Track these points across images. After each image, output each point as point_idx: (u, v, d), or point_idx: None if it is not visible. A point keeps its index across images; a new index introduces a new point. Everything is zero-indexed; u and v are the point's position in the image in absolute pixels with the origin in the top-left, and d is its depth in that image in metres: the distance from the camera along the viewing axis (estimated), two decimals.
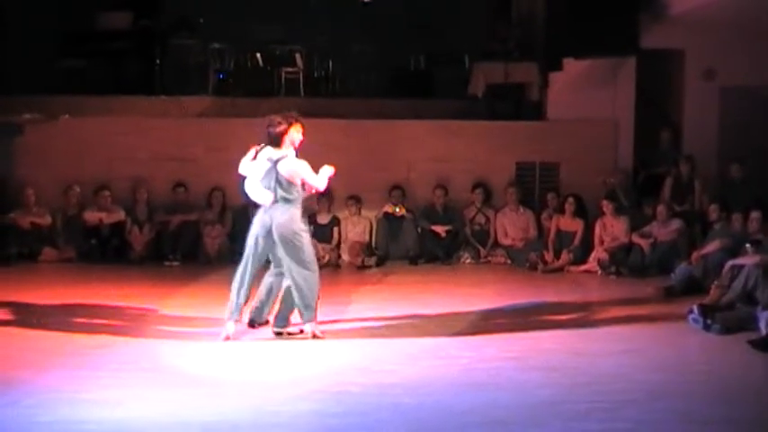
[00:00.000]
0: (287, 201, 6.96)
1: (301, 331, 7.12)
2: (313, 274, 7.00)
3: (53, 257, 10.59)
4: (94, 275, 9.65)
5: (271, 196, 6.95)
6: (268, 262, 7.18)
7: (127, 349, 6.69)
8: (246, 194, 7.20)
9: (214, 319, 7.67)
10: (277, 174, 6.95)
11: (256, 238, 6.98)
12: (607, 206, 10.45)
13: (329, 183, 7.27)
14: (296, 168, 7.00)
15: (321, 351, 6.83)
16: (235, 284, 6.99)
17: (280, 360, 6.59)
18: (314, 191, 7.25)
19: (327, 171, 7.14)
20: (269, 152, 7.01)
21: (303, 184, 7.05)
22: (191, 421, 5.18)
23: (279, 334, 7.13)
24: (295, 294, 6.97)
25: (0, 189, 10.73)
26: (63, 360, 6.33)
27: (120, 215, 10.83)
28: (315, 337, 7.02)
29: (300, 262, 6.93)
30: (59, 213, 10.88)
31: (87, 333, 7.13)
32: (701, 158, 11.03)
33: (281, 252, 6.95)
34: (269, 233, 6.93)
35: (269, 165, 6.97)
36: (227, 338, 6.97)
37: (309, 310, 7.00)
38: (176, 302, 8.31)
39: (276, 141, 7.00)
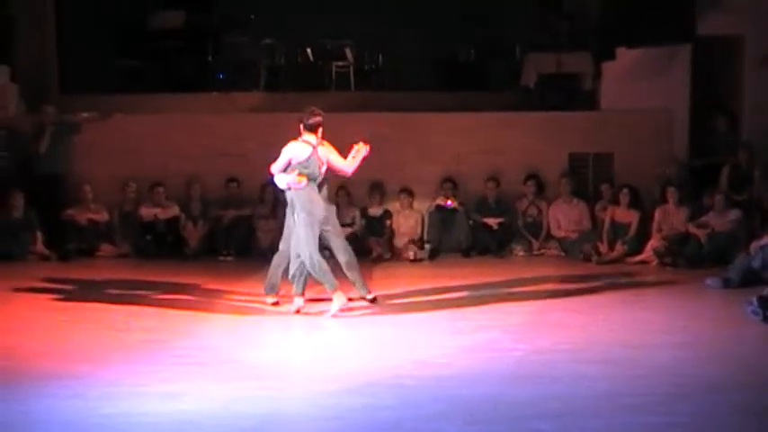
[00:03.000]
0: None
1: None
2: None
3: (110, 253, 10.78)
4: (151, 270, 9.78)
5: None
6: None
7: (184, 343, 6.77)
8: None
9: (270, 312, 7.77)
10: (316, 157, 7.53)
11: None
12: (672, 194, 10.29)
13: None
14: (329, 153, 7.68)
15: (376, 344, 6.85)
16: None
17: (335, 353, 6.62)
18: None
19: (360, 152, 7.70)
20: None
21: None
22: (246, 414, 5.22)
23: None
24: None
25: (58, 186, 10.92)
26: (123, 354, 6.44)
27: (175, 211, 10.97)
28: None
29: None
30: (116, 210, 11.07)
31: (145, 328, 7.24)
32: (760, 146, 10.82)
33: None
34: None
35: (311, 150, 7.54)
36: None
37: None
38: (231, 296, 8.40)
39: (312, 129, 7.58)
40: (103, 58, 12.58)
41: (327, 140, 7.71)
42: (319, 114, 7.53)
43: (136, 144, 11.26)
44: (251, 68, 12.79)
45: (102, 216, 10.97)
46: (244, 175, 11.17)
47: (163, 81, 12.53)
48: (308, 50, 13.08)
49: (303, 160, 7.46)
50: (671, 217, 10.29)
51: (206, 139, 11.36)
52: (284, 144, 7.66)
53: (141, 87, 12.25)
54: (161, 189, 10.99)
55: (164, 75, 12.66)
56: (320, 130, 7.55)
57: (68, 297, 8.40)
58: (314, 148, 7.49)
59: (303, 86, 12.63)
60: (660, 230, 10.24)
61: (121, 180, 11.12)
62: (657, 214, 10.32)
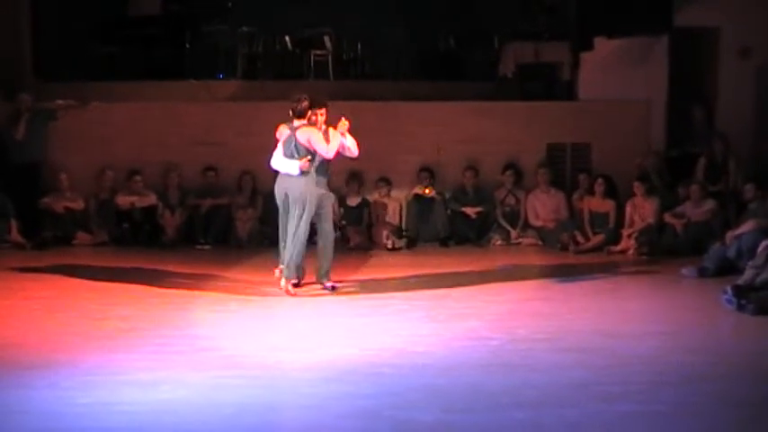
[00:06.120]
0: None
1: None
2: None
3: (86, 241, 10.71)
4: (127, 259, 9.73)
5: (296, 164, 7.63)
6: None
7: (161, 331, 6.75)
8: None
9: (247, 300, 7.76)
10: (295, 141, 7.64)
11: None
12: (638, 187, 10.38)
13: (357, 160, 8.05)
14: (309, 135, 7.62)
15: (354, 333, 6.85)
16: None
17: (314, 342, 6.62)
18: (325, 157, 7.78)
19: (342, 126, 7.79)
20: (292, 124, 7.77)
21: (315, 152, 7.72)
22: (225, 402, 5.22)
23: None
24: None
25: (34, 174, 10.82)
26: (99, 343, 6.41)
27: (152, 199, 10.91)
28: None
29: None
30: (92, 198, 10.99)
31: (122, 316, 7.20)
32: (735, 137, 10.91)
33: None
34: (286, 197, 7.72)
35: (288, 132, 7.68)
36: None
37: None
38: (209, 285, 8.37)
39: (300, 115, 7.71)
40: (80, 44, 12.45)
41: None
42: (305, 100, 7.70)
43: (113, 132, 11.17)
44: (228, 56, 12.71)
45: (79, 204, 10.88)
46: (222, 164, 11.12)
47: (140, 69, 12.42)
48: (287, 39, 13.01)
49: (283, 141, 7.62)
50: (641, 209, 10.35)
51: (183, 127, 11.29)
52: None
53: (118, 75, 12.15)
54: (138, 177, 10.92)
55: (141, 62, 12.55)
56: (309, 114, 7.71)
57: (44, 286, 8.34)
58: (292, 130, 7.54)
59: (281, 75, 12.58)
60: (633, 223, 10.32)
61: (98, 168, 11.04)
62: (628, 208, 10.40)
